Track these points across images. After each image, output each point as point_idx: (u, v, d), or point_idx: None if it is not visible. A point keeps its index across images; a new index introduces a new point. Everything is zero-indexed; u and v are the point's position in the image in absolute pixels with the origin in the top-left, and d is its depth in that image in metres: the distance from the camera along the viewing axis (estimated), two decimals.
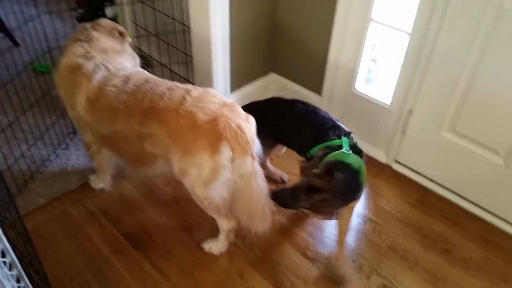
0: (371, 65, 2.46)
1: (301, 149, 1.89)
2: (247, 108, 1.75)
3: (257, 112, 1.73)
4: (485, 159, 1.98)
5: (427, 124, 2.13)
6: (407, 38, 2.04)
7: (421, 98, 2.09)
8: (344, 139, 1.73)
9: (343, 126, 1.82)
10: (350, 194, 1.67)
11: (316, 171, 1.63)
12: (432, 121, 2.10)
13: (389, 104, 2.26)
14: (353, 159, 1.66)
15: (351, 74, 2.33)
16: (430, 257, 1.90)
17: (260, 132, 1.71)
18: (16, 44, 3.22)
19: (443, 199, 2.18)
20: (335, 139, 1.74)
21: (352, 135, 1.77)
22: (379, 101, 2.30)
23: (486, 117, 1.91)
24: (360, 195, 1.73)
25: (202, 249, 1.91)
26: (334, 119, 1.86)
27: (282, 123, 1.93)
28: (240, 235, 1.96)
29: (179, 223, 2.03)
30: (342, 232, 1.98)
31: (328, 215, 1.69)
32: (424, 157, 2.23)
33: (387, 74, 2.50)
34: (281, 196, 1.71)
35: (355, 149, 1.72)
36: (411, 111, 2.15)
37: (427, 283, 1.80)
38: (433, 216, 2.09)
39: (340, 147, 1.70)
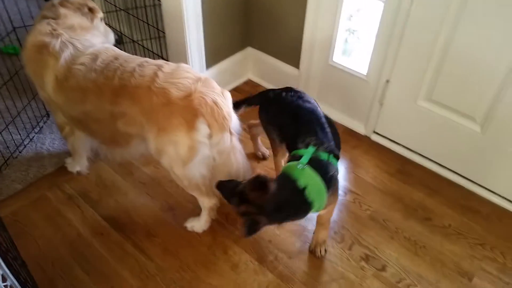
0: (348, 36, 2.43)
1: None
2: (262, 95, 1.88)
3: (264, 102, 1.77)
4: (462, 126, 2.00)
5: (404, 94, 2.12)
6: (382, 6, 2.01)
7: (397, 67, 2.08)
8: (309, 149, 1.52)
9: (324, 133, 1.61)
10: (283, 214, 1.46)
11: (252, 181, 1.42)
12: (408, 90, 2.10)
13: (365, 75, 2.25)
14: (303, 176, 1.44)
15: (328, 46, 2.31)
16: (411, 225, 1.93)
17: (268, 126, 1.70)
18: None
19: (422, 168, 2.21)
20: (302, 148, 1.54)
21: (325, 146, 1.55)
22: (356, 72, 2.28)
23: (462, 84, 1.91)
24: (320, 209, 1.53)
25: (184, 228, 1.89)
26: (323, 123, 1.65)
27: (278, 120, 1.76)
28: (223, 212, 1.95)
29: (160, 203, 2.01)
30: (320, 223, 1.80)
31: (248, 231, 1.41)
32: (402, 127, 2.24)
33: (364, 45, 2.48)
34: (224, 188, 1.52)
35: (317, 163, 1.49)
36: (387, 81, 2.15)
37: (408, 251, 1.83)
38: (413, 185, 2.12)
39: (300, 158, 1.51)
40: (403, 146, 2.28)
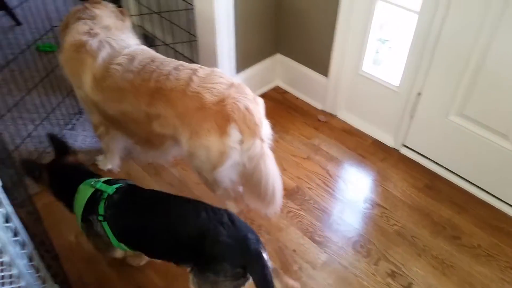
0: (379, 46, 2.41)
1: None
2: None
3: None
4: (493, 143, 1.95)
5: (436, 108, 2.09)
6: (416, 17, 1.99)
7: (430, 81, 2.05)
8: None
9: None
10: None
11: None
12: (440, 104, 2.06)
13: (397, 86, 2.22)
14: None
15: (358, 55, 2.29)
16: (439, 243, 1.90)
17: None
18: (18, 22, 3.18)
19: (452, 184, 2.16)
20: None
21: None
22: (387, 83, 2.26)
23: (496, 101, 1.87)
24: None
25: None
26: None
27: None
28: (248, 218, 1.96)
29: None
30: None
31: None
32: (432, 141, 2.20)
33: (396, 55, 2.46)
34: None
35: None
36: (419, 94, 2.12)
37: (435, 270, 1.80)
38: (441, 201, 2.08)
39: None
40: (433, 161, 2.24)
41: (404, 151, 2.32)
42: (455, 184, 2.16)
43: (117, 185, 1.47)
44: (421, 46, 2.00)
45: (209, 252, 1.34)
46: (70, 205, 1.53)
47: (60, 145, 1.60)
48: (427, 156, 2.26)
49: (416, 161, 2.28)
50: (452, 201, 2.08)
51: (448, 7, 1.82)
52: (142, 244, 1.48)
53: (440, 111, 2.08)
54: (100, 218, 1.43)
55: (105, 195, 1.43)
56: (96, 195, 1.45)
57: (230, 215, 1.40)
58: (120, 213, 1.43)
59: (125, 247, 1.48)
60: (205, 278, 1.35)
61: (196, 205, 1.42)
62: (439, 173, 2.21)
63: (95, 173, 1.58)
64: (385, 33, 2.45)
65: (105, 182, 1.48)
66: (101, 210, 1.42)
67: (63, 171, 1.56)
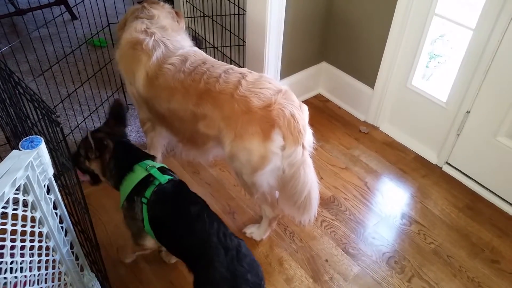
0: (428, 61, 2.37)
1: None
2: None
3: None
4: None
5: (484, 128, 2.03)
6: (470, 34, 1.94)
7: (480, 99, 2.00)
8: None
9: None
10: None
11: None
12: (489, 124, 2.01)
13: (445, 102, 2.17)
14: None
15: (408, 69, 2.26)
16: (476, 265, 1.84)
17: None
18: (74, 17, 3.32)
19: (494, 207, 2.09)
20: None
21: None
22: (435, 98, 2.22)
23: None
24: None
25: (243, 233, 1.92)
26: None
27: None
28: (281, 223, 1.97)
29: (222, 205, 2.06)
30: None
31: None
32: (477, 161, 2.14)
33: (445, 71, 2.41)
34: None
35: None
36: (468, 112, 2.06)
37: None
38: (482, 223, 2.02)
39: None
40: (476, 181, 2.18)
41: (447, 169, 2.27)
42: (497, 206, 2.09)
43: (169, 177, 1.52)
44: (474, 64, 1.96)
45: (201, 271, 1.36)
46: (118, 182, 1.56)
47: (122, 117, 1.63)
48: (470, 176, 2.19)
49: (459, 180, 2.22)
50: (493, 224, 2.01)
51: (507, 25, 1.78)
52: (162, 237, 1.52)
53: (489, 131, 2.02)
54: (144, 200, 1.47)
55: (156, 183, 1.48)
56: (149, 179, 1.49)
57: (240, 246, 1.40)
58: (161, 202, 1.48)
59: (153, 235, 1.53)
60: None
61: (217, 227, 1.43)
62: (481, 194, 2.14)
63: (150, 155, 1.62)
64: (436, 48, 2.40)
65: (159, 168, 1.53)
66: (147, 193, 1.47)
67: (124, 148, 1.59)
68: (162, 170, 1.54)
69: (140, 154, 1.59)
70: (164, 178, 1.49)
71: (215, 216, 1.50)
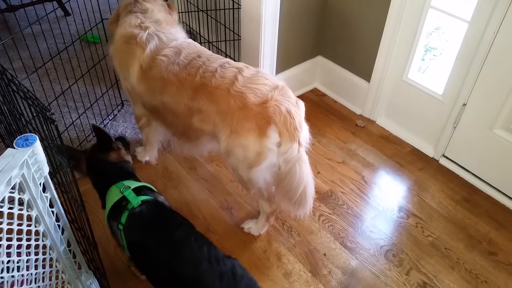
0: (424, 53, 2.37)
1: None
2: None
3: None
4: None
5: (480, 120, 2.03)
6: (465, 26, 1.94)
7: (476, 92, 2.00)
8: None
9: None
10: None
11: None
12: (485, 117, 2.01)
13: (441, 95, 2.17)
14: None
15: (404, 62, 2.25)
16: (474, 258, 1.85)
17: None
18: (66, 13, 3.29)
19: (491, 199, 2.10)
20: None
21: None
22: (431, 91, 2.21)
23: None
24: None
25: (241, 229, 1.92)
26: None
27: None
28: (279, 218, 1.97)
29: (219, 201, 2.05)
30: None
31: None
32: (474, 153, 2.14)
33: (441, 63, 2.41)
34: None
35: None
36: (464, 104, 2.06)
37: (468, 284, 1.76)
38: (479, 215, 2.02)
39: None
40: (472, 174, 2.18)
41: (443, 162, 2.27)
42: (494, 199, 2.10)
43: (144, 198, 1.42)
44: (470, 56, 1.95)
45: None
46: (103, 199, 1.52)
47: (103, 139, 1.54)
48: (467, 169, 2.20)
49: (455, 172, 2.22)
50: (491, 216, 2.02)
51: (502, 17, 1.77)
52: (143, 266, 1.44)
53: (485, 123, 2.02)
54: (120, 227, 1.40)
55: (130, 206, 1.39)
56: (123, 202, 1.41)
57: (235, 268, 1.34)
58: (137, 228, 1.39)
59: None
60: None
61: (207, 251, 1.34)
62: (478, 187, 2.15)
63: (133, 173, 1.55)
64: (432, 41, 2.40)
65: (136, 189, 1.44)
66: (123, 219, 1.39)
67: (100, 166, 1.53)
68: (137, 190, 1.44)
69: (118, 174, 1.50)
70: (136, 201, 1.39)
71: (203, 238, 1.40)
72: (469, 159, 2.18)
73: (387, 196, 2.11)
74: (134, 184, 1.46)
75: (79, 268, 1.51)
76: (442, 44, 2.45)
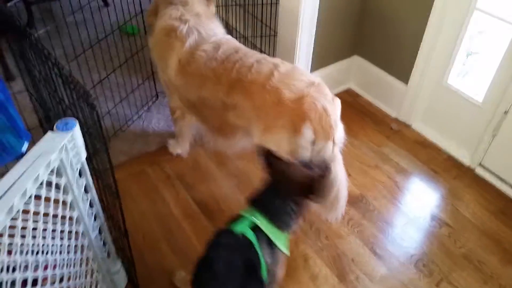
0: (465, 57, 2.29)
1: None
2: None
3: None
4: None
5: None
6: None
7: None
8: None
9: None
10: None
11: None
12: None
13: (481, 102, 2.10)
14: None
15: (445, 66, 2.18)
16: (508, 273, 1.77)
17: None
18: (106, 3, 3.34)
19: None
20: None
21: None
22: (471, 98, 2.14)
23: None
24: None
25: None
26: None
27: None
28: (308, 220, 1.94)
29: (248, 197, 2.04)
30: None
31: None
32: None
33: (482, 69, 2.32)
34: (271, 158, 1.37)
35: None
36: (506, 112, 1.98)
37: None
38: None
39: None
40: (510, 185, 2.09)
41: (480, 171, 2.19)
42: None
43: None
44: None
45: None
46: None
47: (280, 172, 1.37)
48: (504, 179, 2.11)
49: (492, 183, 2.14)
50: None
51: None
52: None
53: None
54: None
55: None
56: None
57: None
58: None
59: None
60: None
61: None
62: None
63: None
64: (474, 45, 2.32)
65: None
66: None
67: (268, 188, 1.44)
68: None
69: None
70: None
71: None
72: (508, 170, 2.09)
73: (419, 203, 2.05)
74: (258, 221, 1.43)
75: (108, 256, 1.53)
76: (484, 49, 2.36)
